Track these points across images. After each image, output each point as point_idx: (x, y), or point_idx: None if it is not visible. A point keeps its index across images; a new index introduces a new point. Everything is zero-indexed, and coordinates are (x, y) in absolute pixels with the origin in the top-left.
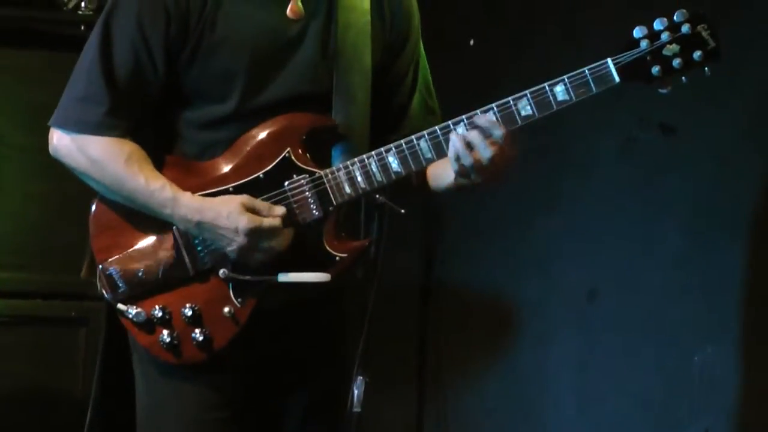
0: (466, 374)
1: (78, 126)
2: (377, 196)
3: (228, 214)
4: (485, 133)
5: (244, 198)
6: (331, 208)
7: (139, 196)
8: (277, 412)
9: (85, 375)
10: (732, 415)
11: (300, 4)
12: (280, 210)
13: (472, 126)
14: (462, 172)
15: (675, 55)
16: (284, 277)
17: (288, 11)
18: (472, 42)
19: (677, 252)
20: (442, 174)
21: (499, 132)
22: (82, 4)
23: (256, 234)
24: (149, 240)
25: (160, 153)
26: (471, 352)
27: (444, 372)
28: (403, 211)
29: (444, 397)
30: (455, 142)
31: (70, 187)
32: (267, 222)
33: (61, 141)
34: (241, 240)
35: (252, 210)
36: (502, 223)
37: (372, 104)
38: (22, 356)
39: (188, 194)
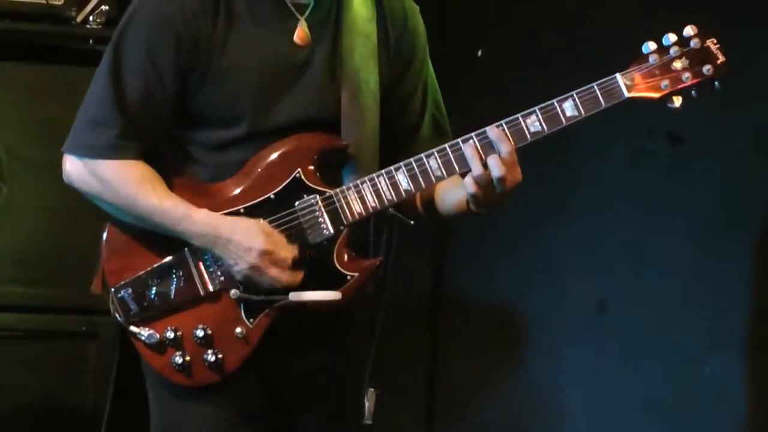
0: (476, 386)
1: (89, 151)
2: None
3: (245, 232)
4: (494, 147)
5: (263, 223)
6: (341, 227)
7: (152, 215)
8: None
9: (95, 389)
10: (742, 425)
11: (307, 30)
12: (294, 250)
13: (482, 141)
14: (474, 189)
15: (684, 69)
16: (296, 297)
17: (295, 38)
18: (480, 53)
19: (686, 262)
20: (449, 197)
21: (505, 148)
22: (91, 18)
23: (267, 257)
24: (161, 262)
25: (170, 176)
26: (481, 364)
27: (454, 383)
28: (412, 222)
29: (454, 408)
30: (467, 152)
31: (81, 202)
32: (281, 252)
33: (73, 166)
34: (252, 259)
35: (269, 235)
36: (511, 234)
37: (381, 126)
38: (33, 370)
39: (203, 211)
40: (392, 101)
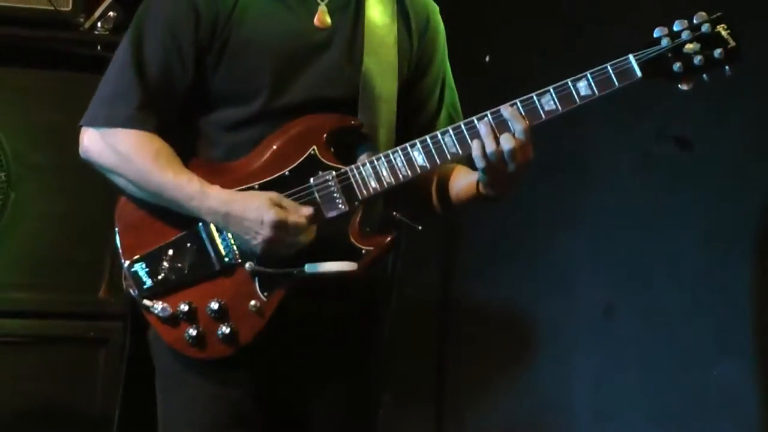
0: (485, 391)
1: (108, 120)
2: (394, 213)
3: (256, 207)
4: (509, 125)
5: (272, 194)
6: (356, 203)
7: (166, 190)
8: (301, 422)
9: (104, 394)
10: (750, 429)
11: (326, 16)
12: (308, 210)
13: (497, 119)
14: (486, 165)
15: (696, 53)
16: (311, 268)
17: (315, 20)
18: (487, 58)
19: (694, 267)
20: (460, 182)
21: (520, 125)
22: (99, 24)
23: (281, 228)
24: (174, 236)
25: (184, 155)
26: (490, 369)
27: (463, 389)
28: (420, 228)
29: (463, 414)
30: (481, 129)
31: (88, 207)
32: (292, 218)
33: (91, 139)
34: (266, 233)
35: (279, 205)
36: (519, 239)
37: (398, 123)
38: (41, 376)
39: (216, 187)
40: (410, 98)
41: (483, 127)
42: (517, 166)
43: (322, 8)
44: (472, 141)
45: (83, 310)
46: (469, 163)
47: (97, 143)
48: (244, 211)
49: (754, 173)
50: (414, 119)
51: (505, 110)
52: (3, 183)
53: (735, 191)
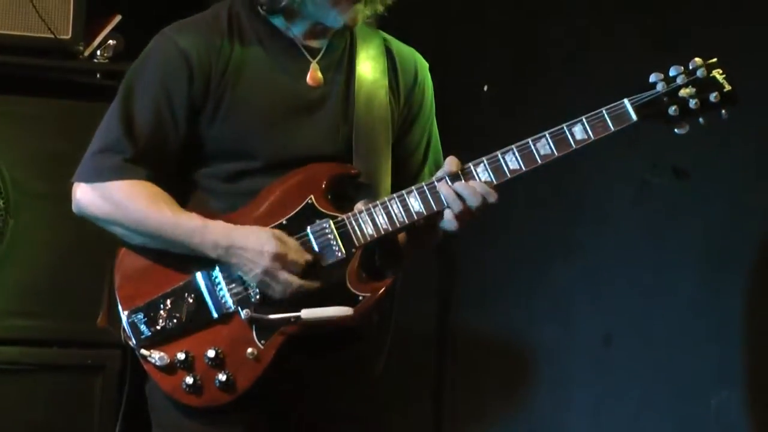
0: (483, 420)
1: (98, 174)
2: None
3: (257, 237)
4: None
5: (275, 230)
6: (353, 250)
7: (165, 230)
8: None
9: (101, 422)
10: None
11: (319, 73)
12: (308, 255)
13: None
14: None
15: (691, 97)
16: (307, 313)
17: (308, 78)
18: (486, 87)
19: (692, 296)
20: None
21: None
22: (98, 52)
23: (279, 261)
24: (172, 287)
25: (185, 207)
26: (488, 398)
27: (461, 418)
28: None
29: None
30: (442, 189)
31: (87, 236)
32: (292, 255)
33: (83, 193)
34: (264, 263)
35: (281, 240)
36: (517, 268)
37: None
38: (39, 404)
39: (219, 222)
40: (396, 151)
41: (442, 188)
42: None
43: (314, 66)
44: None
45: (81, 337)
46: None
47: (88, 195)
48: (246, 241)
49: (750, 203)
50: (397, 173)
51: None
52: (2, 210)
53: (732, 221)
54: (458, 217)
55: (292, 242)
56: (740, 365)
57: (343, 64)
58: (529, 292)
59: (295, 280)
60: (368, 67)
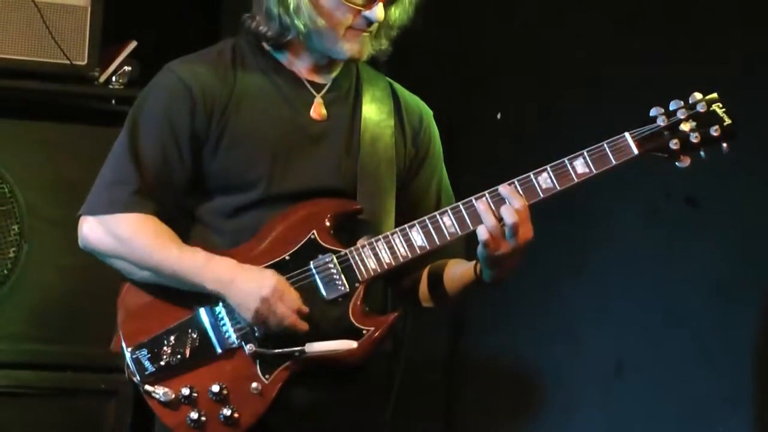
0: None
1: (105, 208)
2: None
3: (257, 274)
4: (507, 202)
5: (278, 274)
6: (357, 284)
7: (169, 265)
8: None
9: None
10: None
11: (323, 108)
12: (305, 309)
13: (495, 198)
14: (488, 241)
15: (692, 130)
16: (311, 348)
17: (312, 112)
18: (498, 115)
19: (701, 323)
20: (455, 269)
21: (518, 202)
22: (113, 78)
23: (275, 296)
24: (176, 322)
25: (188, 243)
26: (498, 423)
27: None
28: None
29: None
30: (479, 207)
31: (100, 261)
32: (290, 293)
33: (90, 227)
34: (260, 296)
35: (279, 279)
36: (528, 294)
37: (397, 218)
38: (52, 428)
39: (224, 258)
40: (405, 197)
41: (481, 204)
42: (517, 243)
43: (318, 100)
44: (470, 220)
45: (94, 362)
46: (463, 252)
47: (95, 230)
48: (245, 280)
49: (761, 230)
50: (412, 217)
51: (503, 189)
52: (16, 235)
53: (743, 248)
54: (492, 239)
55: (291, 289)
56: (749, 394)
57: (348, 102)
58: (539, 318)
59: (290, 317)
60: (374, 107)
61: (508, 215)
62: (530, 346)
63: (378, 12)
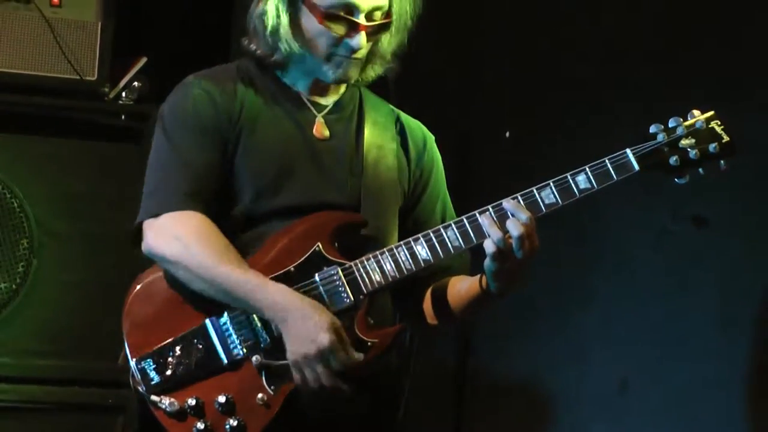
0: None
1: (166, 206)
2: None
3: (315, 323)
4: (512, 216)
5: (335, 319)
6: (361, 297)
7: (227, 282)
8: None
9: None
10: None
11: (324, 128)
12: (360, 356)
13: (498, 212)
14: (495, 254)
15: (691, 147)
16: None
17: (314, 131)
18: (507, 134)
19: (709, 344)
20: (461, 285)
21: (524, 215)
22: (123, 93)
23: (330, 354)
24: (182, 333)
25: None
26: None
27: None
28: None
29: None
30: (483, 221)
31: (108, 275)
32: (341, 354)
33: (155, 233)
34: (323, 340)
35: (337, 332)
36: (535, 314)
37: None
38: None
39: (279, 285)
40: (411, 219)
41: (485, 219)
42: (524, 255)
43: (320, 120)
44: (474, 234)
45: (102, 377)
46: (468, 271)
47: (161, 235)
48: (304, 318)
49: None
50: None
51: (507, 203)
52: (26, 250)
53: (750, 269)
54: (499, 253)
55: (345, 341)
56: (756, 414)
57: (351, 124)
58: (546, 337)
59: (329, 378)
60: (376, 131)
61: (515, 228)
62: (538, 367)
63: (360, 40)
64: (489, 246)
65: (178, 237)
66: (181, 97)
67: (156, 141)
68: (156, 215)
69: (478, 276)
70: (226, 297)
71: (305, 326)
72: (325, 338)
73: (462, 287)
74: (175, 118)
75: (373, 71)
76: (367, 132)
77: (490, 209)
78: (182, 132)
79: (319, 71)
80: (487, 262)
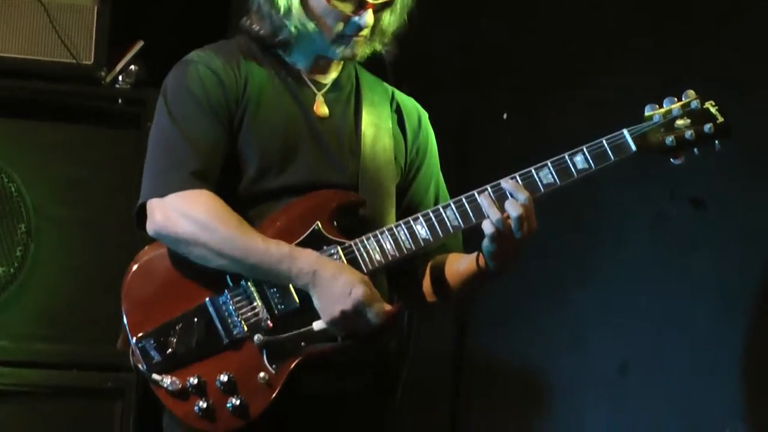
0: None
1: (172, 186)
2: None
3: (347, 279)
4: (511, 196)
5: (365, 276)
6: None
7: (252, 254)
8: None
9: None
10: None
11: (324, 107)
12: (390, 308)
13: (497, 192)
14: (494, 235)
15: (687, 128)
16: (319, 324)
17: (314, 108)
18: (505, 116)
19: (708, 326)
20: (458, 263)
21: (523, 195)
22: (120, 78)
23: (365, 305)
24: (182, 312)
25: None
26: (503, 426)
27: None
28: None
29: None
30: (482, 201)
31: (107, 260)
32: (378, 305)
33: (163, 213)
34: (349, 305)
35: (368, 286)
36: (534, 296)
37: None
38: (58, 428)
39: (307, 250)
40: (407, 197)
41: (484, 199)
42: (523, 235)
43: (320, 98)
44: (473, 214)
45: (101, 361)
46: (461, 247)
47: (166, 214)
48: (334, 277)
49: (766, 234)
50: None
51: (505, 183)
52: (23, 234)
53: (749, 251)
54: (498, 233)
55: (377, 294)
56: (755, 396)
57: (349, 104)
58: (544, 320)
59: (372, 325)
60: (373, 110)
61: (513, 208)
62: (536, 349)
63: (367, 18)
64: (488, 227)
65: (190, 216)
66: (184, 73)
67: (158, 118)
68: (162, 195)
69: (475, 254)
70: (252, 271)
71: (337, 284)
72: (358, 292)
73: (460, 265)
74: (179, 95)
75: (369, 48)
76: (365, 112)
77: (489, 189)
78: (186, 109)
79: (326, 50)
80: (485, 242)
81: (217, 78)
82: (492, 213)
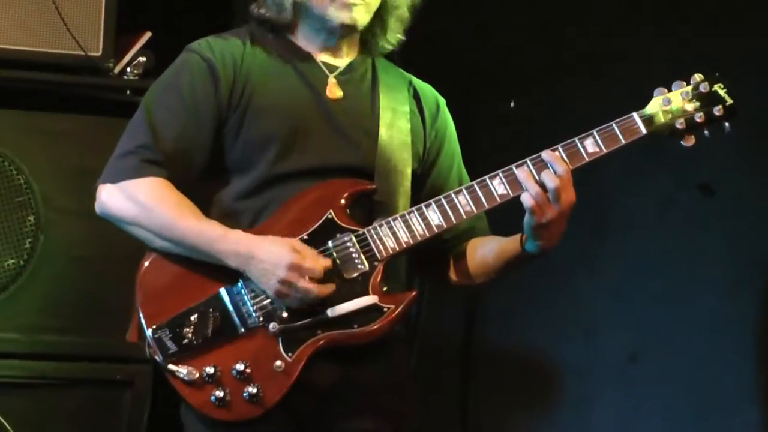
0: None
1: (124, 173)
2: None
3: (277, 250)
4: (549, 168)
5: (293, 240)
6: (376, 263)
7: (189, 236)
8: None
9: None
10: None
11: (337, 88)
12: (325, 261)
13: (537, 164)
14: (533, 207)
15: (696, 110)
16: (333, 311)
17: (327, 91)
18: (512, 104)
19: (717, 312)
20: (501, 246)
21: (561, 167)
22: (128, 69)
23: (294, 271)
24: (197, 302)
25: None
26: (513, 414)
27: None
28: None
29: None
30: (520, 174)
31: (116, 251)
32: (308, 263)
33: (108, 194)
34: (281, 274)
35: (297, 251)
36: (543, 284)
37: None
38: (68, 419)
39: (238, 231)
40: (429, 182)
41: (521, 172)
42: (561, 207)
43: (332, 80)
44: (485, 198)
45: (110, 352)
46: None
47: (114, 197)
48: (266, 253)
49: None
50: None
51: (545, 154)
52: (32, 226)
53: (757, 237)
54: (537, 206)
55: (308, 251)
56: (766, 383)
57: (364, 85)
58: (553, 308)
59: (313, 288)
60: (390, 93)
61: (549, 179)
62: (545, 337)
63: None
64: (526, 200)
65: (132, 197)
66: (178, 63)
67: (142, 103)
68: (114, 181)
69: (517, 236)
70: (194, 252)
71: (269, 257)
72: (287, 256)
73: (492, 248)
74: (164, 83)
75: (392, 35)
76: (382, 95)
77: (528, 162)
78: (164, 98)
79: (324, 17)
80: (526, 217)
81: (211, 69)
82: (530, 185)
